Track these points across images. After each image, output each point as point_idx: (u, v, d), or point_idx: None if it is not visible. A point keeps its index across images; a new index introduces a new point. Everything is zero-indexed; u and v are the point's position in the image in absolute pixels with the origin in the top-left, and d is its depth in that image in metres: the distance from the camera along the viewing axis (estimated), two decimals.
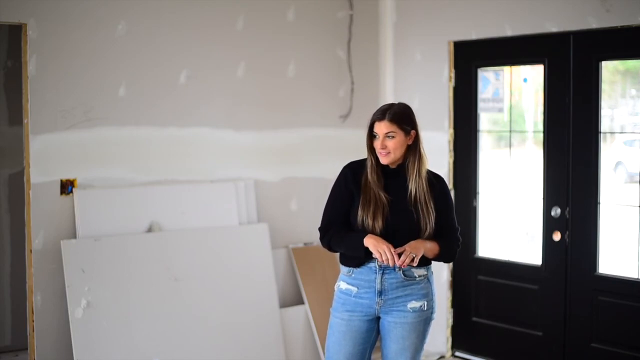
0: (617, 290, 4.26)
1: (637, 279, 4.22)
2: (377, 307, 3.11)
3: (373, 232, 3.04)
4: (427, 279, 3.16)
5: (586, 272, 4.38)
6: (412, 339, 3.11)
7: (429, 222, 3.08)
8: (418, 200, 3.08)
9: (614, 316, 4.28)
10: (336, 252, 3.21)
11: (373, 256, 3.04)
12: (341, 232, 3.14)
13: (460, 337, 5.07)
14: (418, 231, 3.07)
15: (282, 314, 4.78)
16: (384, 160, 3.11)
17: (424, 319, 3.14)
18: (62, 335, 4.19)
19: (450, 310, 5.06)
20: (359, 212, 3.08)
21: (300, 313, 4.88)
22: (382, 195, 3.07)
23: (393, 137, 3.07)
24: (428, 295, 3.15)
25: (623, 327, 4.24)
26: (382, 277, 3.09)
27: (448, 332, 5.07)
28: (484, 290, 4.92)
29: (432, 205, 3.09)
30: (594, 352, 4.36)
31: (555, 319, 4.53)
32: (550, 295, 4.56)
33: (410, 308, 3.10)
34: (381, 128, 3.08)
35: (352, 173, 3.17)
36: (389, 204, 3.07)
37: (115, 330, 4.19)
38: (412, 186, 3.09)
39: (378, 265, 3.08)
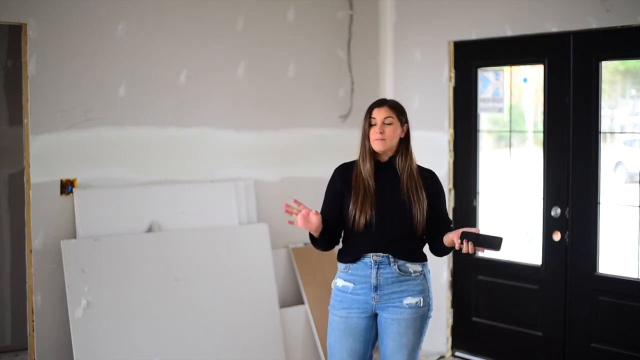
0: (617, 290, 4.26)
1: (637, 279, 4.22)
2: (374, 303, 3.13)
3: (364, 222, 3.08)
4: (423, 275, 3.18)
5: (586, 272, 4.38)
6: (409, 336, 3.12)
7: (421, 210, 3.11)
8: (410, 189, 3.13)
9: (614, 316, 4.28)
10: (316, 246, 3.22)
11: (368, 253, 3.11)
12: None
13: (460, 337, 5.07)
14: (411, 220, 3.10)
15: (282, 314, 4.78)
16: (378, 146, 3.13)
17: (421, 316, 3.15)
18: (62, 335, 4.18)
19: (450, 310, 5.06)
20: (350, 206, 3.12)
21: (300, 313, 4.88)
22: (371, 184, 3.12)
23: (390, 123, 3.14)
24: (424, 292, 3.16)
25: (623, 327, 4.24)
26: (377, 271, 3.11)
27: (448, 332, 5.07)
28: (484, 290, 4.92)
29: (424, 195, 3.13)
30: (594, 352, 4.36)
31: (555, 319, 4.53)
32: (550, 295, 4.56)
33: (407, 304, 3.12)
34: (380, 113, 3.15)
35: (342, 174, 3.23)
36: (380, 194, 3.12)
37: (115, 330, 4.19)
38: (403, 177, 3.15)
39: (373, 260, 3.11)
